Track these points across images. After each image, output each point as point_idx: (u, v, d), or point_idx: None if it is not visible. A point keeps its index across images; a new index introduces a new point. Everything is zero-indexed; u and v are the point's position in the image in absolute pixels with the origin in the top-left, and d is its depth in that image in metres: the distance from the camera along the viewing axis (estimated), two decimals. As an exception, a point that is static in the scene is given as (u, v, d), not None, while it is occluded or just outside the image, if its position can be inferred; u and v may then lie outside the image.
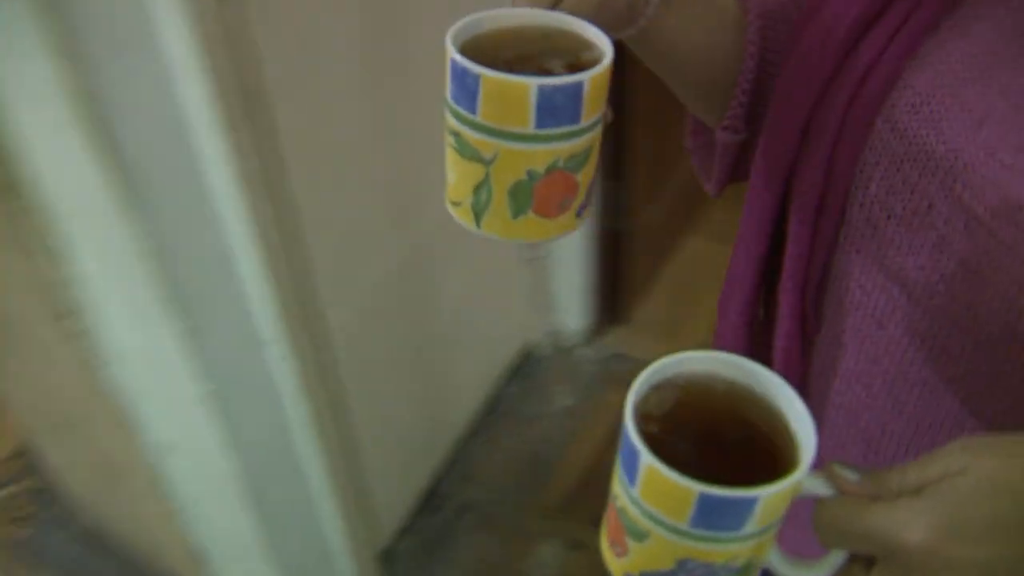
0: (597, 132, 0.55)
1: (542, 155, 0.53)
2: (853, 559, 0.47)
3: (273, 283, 1.22)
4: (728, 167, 0.72)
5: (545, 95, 0.50)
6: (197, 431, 1.27)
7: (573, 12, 0.56)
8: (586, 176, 0.56)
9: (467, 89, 0.52)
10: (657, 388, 0.50)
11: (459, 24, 0.55)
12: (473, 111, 0.52)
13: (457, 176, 0.56)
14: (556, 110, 0.51)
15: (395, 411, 1.77)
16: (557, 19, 0.57)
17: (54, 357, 1.35)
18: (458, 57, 0.51)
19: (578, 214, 0.58)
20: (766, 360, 0.66)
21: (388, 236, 1.56)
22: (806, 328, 0.68)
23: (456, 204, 0.57)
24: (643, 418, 0.48)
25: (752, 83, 0.67)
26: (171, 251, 1.10)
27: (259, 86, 1.13)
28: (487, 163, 0.54)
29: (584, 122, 0.53)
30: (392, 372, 1.73)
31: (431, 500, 1.99)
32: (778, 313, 0.68)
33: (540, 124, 0.52)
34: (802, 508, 0.48)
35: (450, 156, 0.56)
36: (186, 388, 1.21)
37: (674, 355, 0.51)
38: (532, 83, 0.50)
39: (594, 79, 0.52)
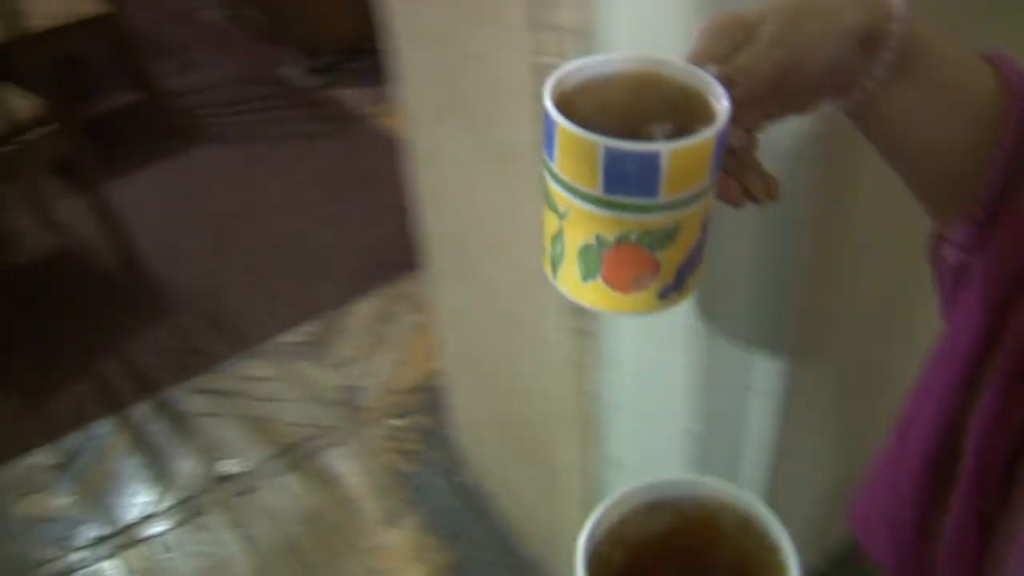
0: (690, 211, 0.48)
1: (611, 223, 0.48)
2: None
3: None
4: (953, 285, 0.55)
5: (613, 159, 0.45)
6: (657, 460, 1.20)
7: (742, 77, 0.47)
8: (672, 257, 0.50)
9: (549, 135, 0.48)
10: (654, 506, 0.48)
11: (587, 60, 0.51)
12: (552, 159, 0.49)
13: (543, 222, 0.53)
14: (626, 178, 0.46)
15: (811, 490, 1.63)
16: (703, 80, 0.49)
17: (535, 339, 1.34)
18: (547, 101, 0.48)
19: (661, 296, 0.52)
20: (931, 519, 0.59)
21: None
22: (985, 502, 0.55)
23: (543, 249, 0.55)
24: (618, 539, 0.47)
25: (996, 194, 0.50)
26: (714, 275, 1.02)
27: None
28: (561, 216, 0.50)
29: (663, 197, 0.46)
30: (824, 451, 1.58)
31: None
32: (959, 472, 0.55)
33: (608, 189, 0.47)
34: None
35: (543, 200, 0.53)
36: (671, 417, 1.14)
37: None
38: (600, 143, 0.45)
39: (676, 153, 0.45)
